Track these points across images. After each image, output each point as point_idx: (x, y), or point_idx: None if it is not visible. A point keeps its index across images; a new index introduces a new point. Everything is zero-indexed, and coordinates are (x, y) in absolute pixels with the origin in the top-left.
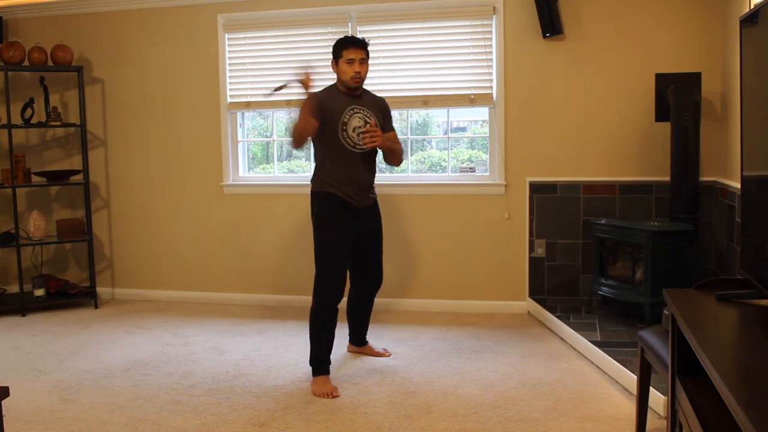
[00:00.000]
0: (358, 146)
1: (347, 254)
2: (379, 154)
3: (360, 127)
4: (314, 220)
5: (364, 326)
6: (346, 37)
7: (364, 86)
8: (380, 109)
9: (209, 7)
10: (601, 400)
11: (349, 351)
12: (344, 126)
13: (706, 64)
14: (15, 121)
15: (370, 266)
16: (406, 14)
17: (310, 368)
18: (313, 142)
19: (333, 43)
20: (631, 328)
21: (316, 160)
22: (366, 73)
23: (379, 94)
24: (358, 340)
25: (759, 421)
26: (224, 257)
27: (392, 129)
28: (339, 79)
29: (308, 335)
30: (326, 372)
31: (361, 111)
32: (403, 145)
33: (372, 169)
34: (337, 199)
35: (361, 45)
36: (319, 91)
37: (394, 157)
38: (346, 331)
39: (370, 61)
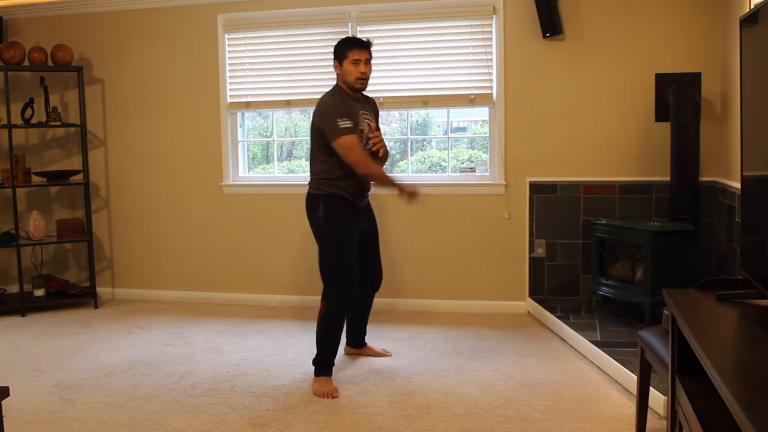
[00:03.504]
0: (368, 150)
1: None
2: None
3: (366, 131)
4: (322, 223)
5: (364, 327)
6: (349, 37)
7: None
8: (374, 110)
9: (209, 7)
10: (601, 400)
11: (347, 354)
12: (360, 131)
13: (706, 64)
14: (15, 121)
15: (371, 264)
16: (406, 14)
17: (312, 368)
18: (320, 144)
19: (335, 44)
20: (631, 328)
21: (320, 163)
22: (370, 74)
23: (379, 94)
24: (357, 342)
25: (759, 421)
26: (224, 257)
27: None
28: (343, 80)
29: (309, 335)
30: (329, 373)
31: (366, 114)
32: (402, 145)
33: None
34: (345, 201)
35: (366, 45)
36: (332, 96)
37: (383, 160)
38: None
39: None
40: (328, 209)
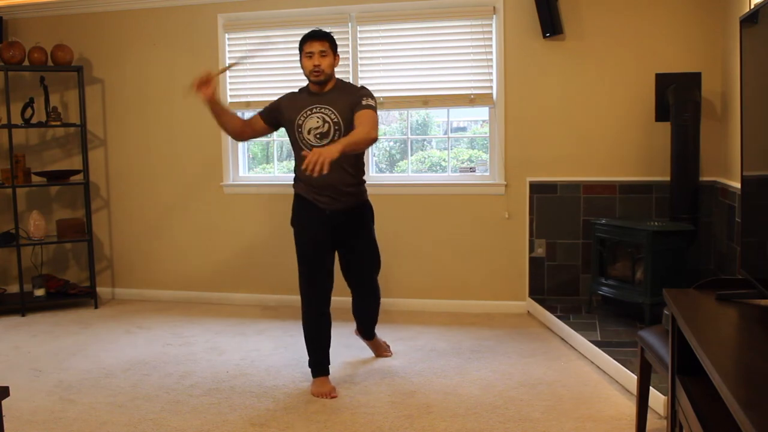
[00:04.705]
0: (316, 148)
1: (324, 256)
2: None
3: (317, 128)
4: (291, 221)
5: (367, 325)
6: (307, 32)
7: (355, 80)
8: (348, 101)
9: (209, 7)
10: (601, 400)
11: (355, 334)
12: (299, 128)
13: (706, 64)
14: (15, 121)
15: (353, 275)
16: (405, 14)
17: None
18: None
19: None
20: (631, 328)
21: None
22: (329, 66)
23: (380, 94)
24: (364, 332)
25: (759, 421)
26: (224, 257)
27: (363, 110)
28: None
29: None
30: (324, 373)
31: (322, 110)
32: (402, 145)
33: (346, 172)
34: (305, 201)
35: (320, 37)
36: (283, 96)
37: (363, 147)
38: (344, 331)
39: (370, 60)
40: (293, 207)
